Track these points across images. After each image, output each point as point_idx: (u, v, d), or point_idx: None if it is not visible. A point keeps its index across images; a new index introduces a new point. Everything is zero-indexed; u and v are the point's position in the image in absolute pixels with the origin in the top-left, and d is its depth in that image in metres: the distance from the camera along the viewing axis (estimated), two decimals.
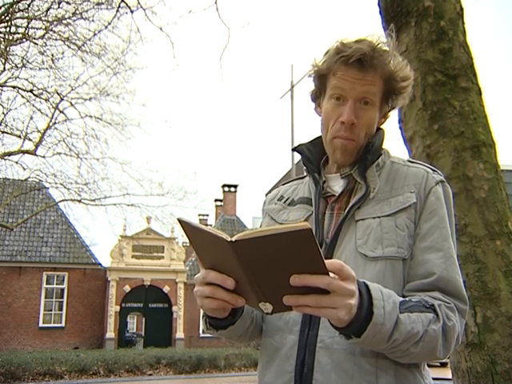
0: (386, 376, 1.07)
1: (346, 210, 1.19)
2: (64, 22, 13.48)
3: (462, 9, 2.62)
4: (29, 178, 16.43)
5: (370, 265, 1.11)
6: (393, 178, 1.22)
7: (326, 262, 0.89)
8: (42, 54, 14.06)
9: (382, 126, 1.30)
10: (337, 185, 1.27)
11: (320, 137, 1.32)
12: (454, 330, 1.06)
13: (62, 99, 15.25)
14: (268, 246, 0.86)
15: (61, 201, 17.59)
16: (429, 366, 1.21)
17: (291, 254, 0.87)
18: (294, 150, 1.34)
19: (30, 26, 13.68)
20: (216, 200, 33.55)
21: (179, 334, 24.60)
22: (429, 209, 1.16)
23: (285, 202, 1.37)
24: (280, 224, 1.30)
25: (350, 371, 1.06)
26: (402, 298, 1.05)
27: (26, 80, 14.63)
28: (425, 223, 1.15)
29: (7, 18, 13.14)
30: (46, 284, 23.32)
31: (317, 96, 1.31)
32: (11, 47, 13.77)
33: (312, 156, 1.32)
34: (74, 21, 13.62)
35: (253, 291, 0.93)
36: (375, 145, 1.24)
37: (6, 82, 14.39)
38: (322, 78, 1.25)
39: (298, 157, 1.37)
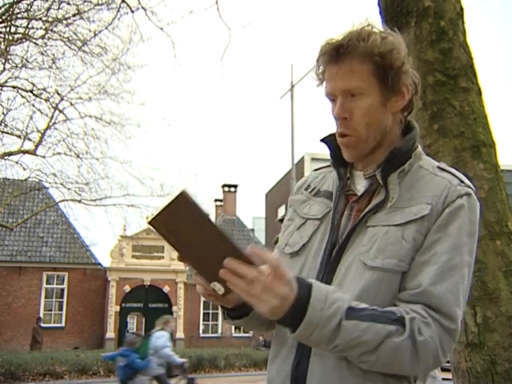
0: None
1: (361, 215, 1.16)
2: (64, 22, 13.48)
3: (462, 9, 2.62)
4: (29, 178, 16.44)
5: (367, 273, 1.09)
6: (415, 186, 1.15)
7: (268, 254, 0.95)
8: (42, 54, 14.08)
9: (415, 127, 1.23)
10: (360, 184, 1.23)
11: None
12: (426, 346, 1.01)
13: (61, 99, 15.26)
14: (171, 220, 0.93)
15: (61, 201, 17.60)
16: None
17: (191, 225, 0.93)
18: (322, 140, 1.28)
19: (30, 25, 13.69)
20: (216, 200, 33.54)
21: (179, 334, 24.58)
22: (440, 222, 1.09)
23: (311, 191, 1.33)
24: (301, 218, 1.28)
25: (338, 380, 1.07)
26: (362, 306, 1.03)
27: (26, 80, 14.65)
28: (430, 237, 1.09)
29: (7, 18, 13.14)
30: (46, 284, 23.32)
31: None
32: (11, 47, 13.78)
33: (340, 149, 1.24)
34: (74, 21, 13.63)
35: (202, 272, 1.00)
36: (403, 149, 1.17)
37: (6, 81, 14.40)
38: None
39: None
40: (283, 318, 0.99)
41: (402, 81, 1.18)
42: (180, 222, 0.94)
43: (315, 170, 1.41)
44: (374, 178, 1.18)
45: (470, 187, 1.14)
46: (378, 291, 1.07)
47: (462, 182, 1.15)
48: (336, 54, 1.14)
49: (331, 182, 1.30)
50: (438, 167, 1.19)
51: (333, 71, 1.15)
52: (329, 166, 1.35)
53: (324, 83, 1.20)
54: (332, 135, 1.26)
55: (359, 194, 1.21)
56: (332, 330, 0.99)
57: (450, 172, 1.17)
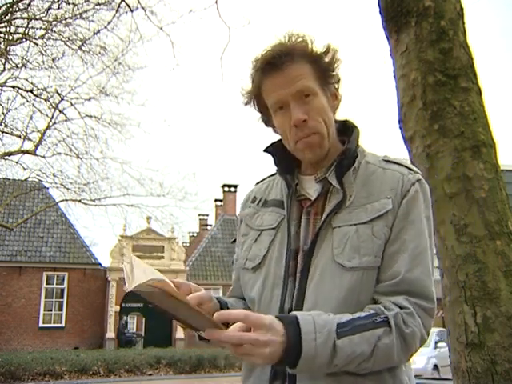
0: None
1: (324, 217, 1.17)
2: (64, 22, 13.47)
3: (462, 9, 2.62)
4: (29, 178, 16.43)
5: (346, 275, 1.11)
6: (369, 183, 1.19)
7: (232, 312, 0.98)
8: (42, 54, 14.05)
9: (356, 125, 1.27)
10: (311, 188, 1.24)
11: None
12: (413, 336, 1.07)
13: (61, 99, 15.23)
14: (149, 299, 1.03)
15: (61, 201, 17.61)
16: None
17: (171, 302, 1.00)
18: (265, 150, 1.30)
19: (29, 25, 13.68)
20: (216, 200, 33.56)
21: (179, 333, 24.60)
22: (401, 212, 1.14)
23: (258, 203, 1.35)
24: (256, 231, 1.29)
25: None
26: (346, 318, 1.04)
27: (26, 80, 14.62)
28: (396, 227, 1.13)
29: (7, 18, 13.14)
30: (46, 284, 23.31)
31: (268, 120, 1.28)
32: (11, 47, 13.77)
33: (285, 156, 1.27)
34: (74, 21, 13.62)
35: (188, 327, 1.13)
36: (353, 148, 1.21)
37: (5, 81, 14.38)
38: (258, 99, 1.24)
39: None
40: (280, 361, 0.97)
41: (334, 82, 1.23)
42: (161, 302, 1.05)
43: (257, 183, 1.43)
44: (326, 180, 1.20)
45: (418, 173, 1.21)
46: (360, 290, 1.10)
47: (411, 170, 1.20)
48: (279, 62, 1.15)
49: (278, 190, 1.31)
50: (384, 160, 1.24)
51: (278, 79, 1.17)
52: (271, 175, 1.40)
53: (262, 95, 1.22)
54: (273, 144, 1.29)
55: (313, 198, 1.22)
56: (329, 354, 1.00)
57: (397, 163, 1.22)
